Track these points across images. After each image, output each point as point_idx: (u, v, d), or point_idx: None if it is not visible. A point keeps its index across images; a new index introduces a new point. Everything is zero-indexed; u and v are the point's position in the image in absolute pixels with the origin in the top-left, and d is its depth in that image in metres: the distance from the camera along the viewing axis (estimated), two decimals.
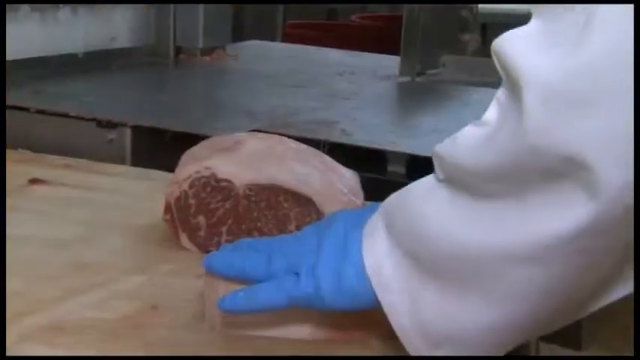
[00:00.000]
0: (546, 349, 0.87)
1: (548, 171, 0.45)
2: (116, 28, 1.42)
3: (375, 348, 0.58)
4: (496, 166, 0.47)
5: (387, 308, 0.53)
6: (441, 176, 0.51)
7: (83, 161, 0.98)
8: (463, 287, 0.50)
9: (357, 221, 0.55)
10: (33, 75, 1.24)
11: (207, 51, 1.51)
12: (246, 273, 0.57)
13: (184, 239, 0.75)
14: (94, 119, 1.04)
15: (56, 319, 0.61)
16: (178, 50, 1.50)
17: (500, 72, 0.47)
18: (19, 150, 1.01)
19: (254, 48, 1.72)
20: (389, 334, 0.58)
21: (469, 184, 0.49)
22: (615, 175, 0.44)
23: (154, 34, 1.48)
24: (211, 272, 0.59)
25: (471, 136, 0.49)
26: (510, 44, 0.46)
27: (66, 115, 1.06)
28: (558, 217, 0.46)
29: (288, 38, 2.80)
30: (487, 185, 0.48)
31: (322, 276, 0.54)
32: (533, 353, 0.81)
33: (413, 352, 0.53)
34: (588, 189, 0.44)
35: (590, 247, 0.47)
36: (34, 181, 0.90)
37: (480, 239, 0.48)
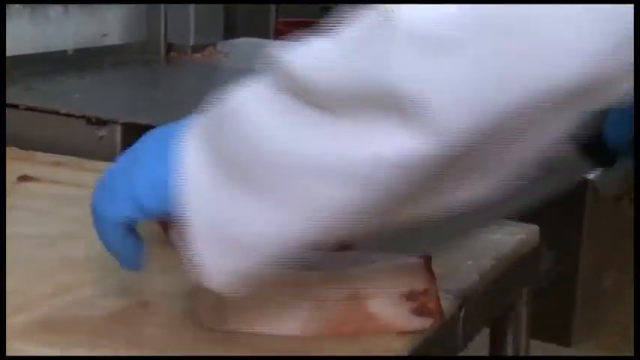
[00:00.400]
0: (537, 346, 0.87)
1: (382, 95, 0.44)
2: (107, 25, 1.42)
3: (365, 343, 0.59)
4: (347, 85, 0.45)
5: (186, 206, 0.50)
6: (283, 86, 0.48)
7: (73, 159, 0.98)
8: (257, 191, 0.48)
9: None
10: (23, 72, 1.23)
11: (199, 48, 1.51)
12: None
13: (173, 236, 0.75)
14: (83, 116, 1.04)
15: (45, 316, 0.61)
16: (169, 47, 1.50)
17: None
18: (9, 147, 1.00)
19: (246, 45, 1.72)
20: (380, 330, 0.58)
21: (312, 99, 0.46)
22: (453, 117, 0.43)
23: (145, 31, 1.48)
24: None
25: (320, 48, 0.46)
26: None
27: (56, 113, 1.06)
28: (379, 142, 0.44)
29: (280, 36, 2.79)
30: (327, 101, 0.46)
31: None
32: (522, 352, 0.82)
33: (199, 260, 0.51)
34: (416, 121, 0.43)
35: (418, 178, 0.46)
36: (23, 178, 0.90)
37: (298, 151, 0.46)
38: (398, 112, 0.44)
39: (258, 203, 0.48)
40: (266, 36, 2.89)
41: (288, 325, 0.59)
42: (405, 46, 0.44)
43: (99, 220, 0.57)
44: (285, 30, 2.93)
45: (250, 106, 0.50)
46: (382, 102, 0.44)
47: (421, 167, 0.45)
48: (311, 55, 0.47)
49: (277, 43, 1.84)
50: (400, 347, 0.58)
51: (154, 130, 0.57)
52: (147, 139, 0.56)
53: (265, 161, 0.48)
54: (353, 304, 0.58)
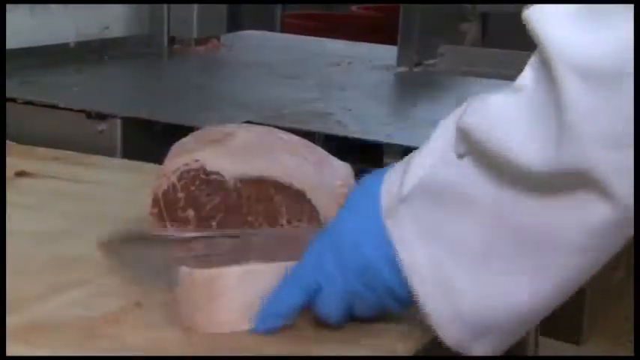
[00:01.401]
0: (546, 344, 0.85)
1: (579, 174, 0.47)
2: (109, 17, 1.40)
3: (366, 345, 0.57)
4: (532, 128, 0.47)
5: (424, 300, 0.52)
6: (462, 150, 0.50)
7: (72, 153, 0.96)
8: (505, 270, 0.49)
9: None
10: (22, 65, 1.22)
11: (202, 41, 1.49)
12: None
13: None
14: (83, 110, 1.02)
15: (38, 317, 0.59)
16: (172, 40, 1.48)
17: (533, 36, 0.47)
18: (7, 142, 0.99)
19: (249, 38, 1.70)
20: (378, 332, 0.56)
21: (501, 160, 0.48)
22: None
23: (147, 23, 1.46)
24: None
25: (504, 104, 0.47)
26: (543, 14, 0.46)
27: (55, 107, 1.04)
28: (587, 213, 0.47)
29: (286, 28, 2.77)
30: (522, 154, 0.48)
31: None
32: (532, 348, 0.79)
33: (454, 346, 0.52)
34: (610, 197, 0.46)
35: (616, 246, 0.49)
36: (20, 173, 0.88)
37: (529, 221, 0.48)
38: (594, 188, 0.46)
39: (508, 278, 0.50)
40: (272, 28, 2.87)
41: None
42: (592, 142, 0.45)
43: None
44: (291, 22, 2.91)
45: (461, 182, 0.51)
46: (580, 179, 0.47)
47: (619, 235, 0.48)
48: (490, 117, 0.49)
49: (283, 36, 1.82)
50: (402, 349, 0.56)
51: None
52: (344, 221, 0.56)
53: (488, 234, 0.49)
54: None
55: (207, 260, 0.59)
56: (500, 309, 0.50)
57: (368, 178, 0.57)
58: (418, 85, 1.35)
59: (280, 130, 0.77)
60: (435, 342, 0.58)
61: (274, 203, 0.71)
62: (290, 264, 0.58)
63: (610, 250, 0.49)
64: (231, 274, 0.58)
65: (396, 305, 0.54)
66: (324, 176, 0.73)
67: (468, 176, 0.49)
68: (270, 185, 0.71)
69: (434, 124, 1.11)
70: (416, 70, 1.40)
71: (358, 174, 0.75)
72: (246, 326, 0.58)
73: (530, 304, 0.50)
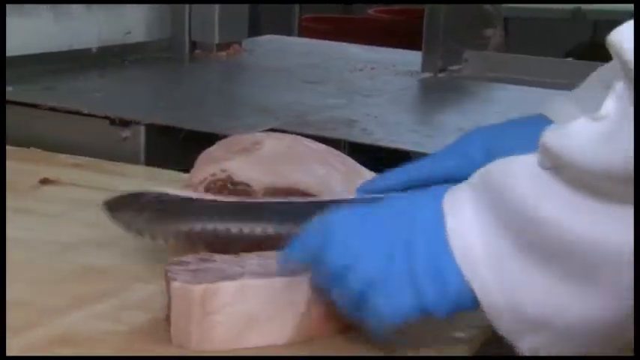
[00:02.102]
0: None
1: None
2: (131, 22, 1.39)
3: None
4: (614, 165, 0.45)
5: (477, 288, 0.50)
6: (548, 165, 0.49)
7: (95, 160, 0.95)
8: (573, 279, 0.48)
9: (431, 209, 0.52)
10: (44, 70, 1.21)
11: (224, 46, 1.47)
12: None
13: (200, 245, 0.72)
14: (106, 117, 1.01)
15: (64, 331, 0.58)
16: (194, 45, 1.47)
17: (619, 64, 0.45)
18: (31, 148, 0.98)
19: (270, 43, 1.68)
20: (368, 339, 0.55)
21: (581, 180, 0.47)
22: None
23: (169, 28, 1.45)
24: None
25: (586, 131, 0.47)
26: (630, 36, 0.44)
27: (78, 113, 1.03)
28: None
29: (304, 32, 2.76)
30: (601, 183, 0.47)
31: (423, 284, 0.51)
32: None
33: (507, 335, 0.51)
34: None
35: None
36: (44, 181, 0.87)
37: (595, 236, 0.47)
38: None
39: (572, 285, 0.49)
40: (290, 33, 2.86)
41: (281, 333, 0.57)
42: None
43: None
44: (310, 26, 2.89)
45: (527, 188, 0.50)
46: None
47: None
48: (574, 137, 0.48)
49: (304, 41, 1.80)
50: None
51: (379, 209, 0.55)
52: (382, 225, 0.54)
53: (544, 240, 0.49)
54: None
55: (201, 275, 0.58)
56: (549, 313, 0.50)
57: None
58: (443, 91, 1.33)
59: (309, 139, 0.76)
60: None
61: None
62: (287, 280, 0.57)
63: None
64: (228, 289, 0.56)
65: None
66: (354, 185, 0.71)
67: (541, 184, 0.49)
68: (300, 196, 0.70)
69: (461, 131, 1.09)
70: (440, 75, 1.39)
71: None
72: (239, 344, 0.56)
73: (580, 315, 0.49)
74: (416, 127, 1.11)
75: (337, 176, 0.71)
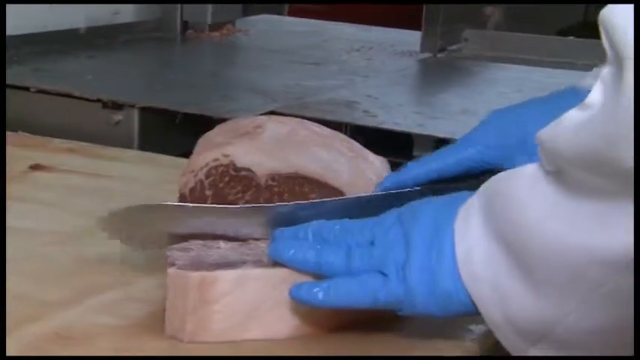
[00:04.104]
0: None
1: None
2: (119, 2, 1.35)
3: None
4: (591, 153, 0.42)
5: (477, 301, 0.49)
6: (547, 166, 0.47)
7: (88, 145, 0.92)
8: (558, 288, 0.46)
9: (447, 213, 0.50)
10: (33, 52, 1.17)
11: (216, 26, 1.44)
12: (322, 270, 0.52)
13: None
14: (98, 100, 0.98)
15: (63, 325, 0.55)
16: (185, 26, 1.43)
17: (606, 47, 0.42)
18: (19, 132, 0.94)
19: (265, 23, 1.65)
20: (372, 316, 0.54)
21: (570, 174, 0.45)
22: None
23: (157, 8, 1.41)
24: (278, 263, 0.54)
25: (572, 120, 0.44)
26: (621, 15, 0.41)
27: (69, 96, 0.99)
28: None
29: (297, 12, 2.71)
30: (588, 178, 0.43)
31: (414, 277, 0.49)
32: None
33: (511, 350, 0.49)
34: None
35: None
36: (35, 167, 0.84)
37: (579, 242, 0.44)
38: None
39: (558, 297, 0.47)
40: (279, 11, 2.81)
41: (283, 327, 0.55)
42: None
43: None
44: (302, 6, 2.85)
45: (521, 190, 0.48)
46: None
47: None
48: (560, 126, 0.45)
49: (300, 20, 1.77)
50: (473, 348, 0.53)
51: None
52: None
53: (541, 250, 0.46)
54: None
55: (201, 261, 0.55)
56: (548, 322, 0.47)
57: None
58: (444, 71, 1.31)
59: (312, 123, 0.73)
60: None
61: (309, 201, 0.67)
62: (290, 271, 0.54)
63: None
64: (228, 277, 0.54)
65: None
66: (362, 172, 0.68)
67: (544, 191, 0.47)
68: (305, 182, 0.67)
69: (466, 112, 1.06)
70: (440, 55, 1.36)
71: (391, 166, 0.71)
72: (237, 337, 0.54)
73: (574, 324, 0.47)
74: (418, 108, 1.08)
75: (343, 161, 0.69)
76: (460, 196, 0.51)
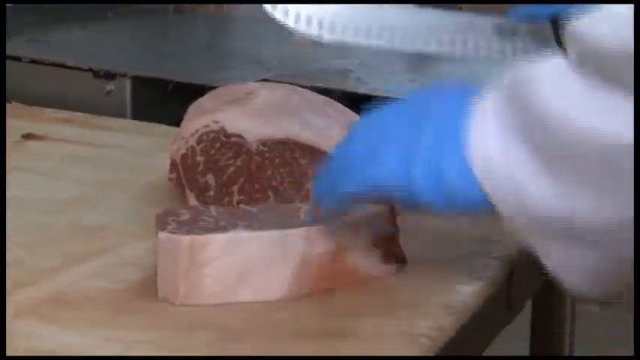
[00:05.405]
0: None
1: None
2: None
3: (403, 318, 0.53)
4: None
5: (492, 193, 0.49)
6: (573, 56, 0.47)
7: (80, 115, 0.92)
8: (580, 174, 0.46)
9: (461, 105, 0.50)
10: (24, 22, 1.17)
11: None
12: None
13: (192, 199, 0.69)
14: (90, 69, 0.97)
15: (57, 290, 0.56)
16: None
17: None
18: (12, 103, 0.94)
19: None
20: (359, 280, 0.56)
21: (602, 69, 0.45)
22: None
23: None
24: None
25: (611, 16, 0.44)
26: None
27: (62, 66, 0.99)
28: None
29: None
30: (622, 72, 0.44)
31: (415, 167, 0.50)
32: (568, 318, 0.77)
33: (531, 246, 0.49)
34: None
35: None
36: (28, 136, 0.84)
37: (606, 132, 0.45)
38: None
39: (585, 189, 0.47)
40: None
41: (274, 288, 0.55)
42: None
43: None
44: None
45: (545, 84, 0.48)
46: None
47: None
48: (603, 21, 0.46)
49: None
50: (449, 324, 0.53)
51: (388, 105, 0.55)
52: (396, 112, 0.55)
53: (561, 141, 0.47)
54: (334, 259, 0.57)
55: (191, 225, 0.56)
56: (567, 209, 0.47)
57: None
58: None
59: (304, 89, 0.73)
60: (480, 314, 0.55)
61: (300, 167, 0.67)
62: (280, 233, 0.55)
63: None
64: (218, 241, 0.54)
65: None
66: None
67: (561, 83, 0.47)
68: (296, 148, 0.67)
69: (459, 78, 1.06)
70: None
71: None
72: (229, 299, 0.54)
73: (594, 217, 0.47)
74: (412, 75, 1.08)
75: (336, 127, 0.69)
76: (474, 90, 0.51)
